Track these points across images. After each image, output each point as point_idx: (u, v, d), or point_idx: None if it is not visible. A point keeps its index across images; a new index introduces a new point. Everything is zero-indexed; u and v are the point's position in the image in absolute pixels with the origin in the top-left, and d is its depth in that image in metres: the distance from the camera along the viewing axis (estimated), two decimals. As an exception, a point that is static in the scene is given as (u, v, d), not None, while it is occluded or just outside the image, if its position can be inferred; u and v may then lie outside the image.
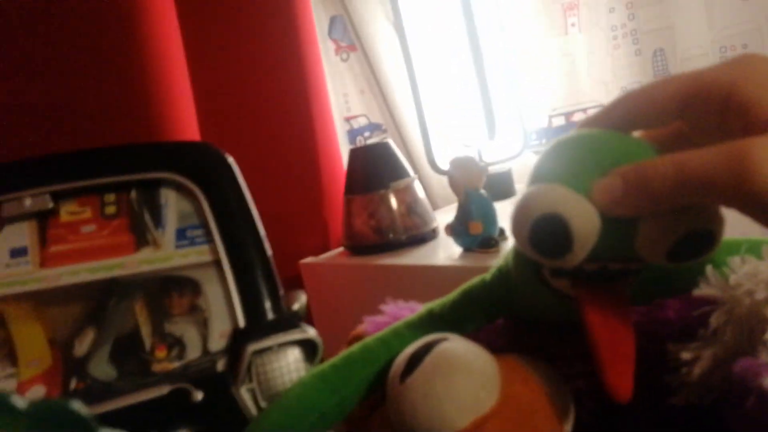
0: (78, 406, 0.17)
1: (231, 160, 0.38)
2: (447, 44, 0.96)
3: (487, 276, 0.33)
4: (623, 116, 0.26)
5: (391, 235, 0.74)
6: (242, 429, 0.32)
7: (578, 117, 1.00)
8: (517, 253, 0.30)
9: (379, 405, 0.34)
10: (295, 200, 0.80)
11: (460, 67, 0.96)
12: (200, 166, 0.37)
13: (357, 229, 0.75)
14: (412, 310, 0.39)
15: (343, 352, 0.32)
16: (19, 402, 0.17)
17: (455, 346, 0.29)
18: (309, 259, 0.80)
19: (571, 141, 0.26)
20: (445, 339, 0.29)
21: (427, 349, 0.29)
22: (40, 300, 0.35)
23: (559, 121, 1.03)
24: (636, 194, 0.22)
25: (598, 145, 0.25)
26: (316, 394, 0.30)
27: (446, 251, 0.68)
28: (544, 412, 0.28)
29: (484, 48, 0.92)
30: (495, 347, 0.30)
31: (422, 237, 0.74)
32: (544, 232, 0.23)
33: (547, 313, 0.30)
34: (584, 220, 0.23)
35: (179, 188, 0.37)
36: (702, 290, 0.25)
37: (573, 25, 0.97)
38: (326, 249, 0.84)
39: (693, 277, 0.27)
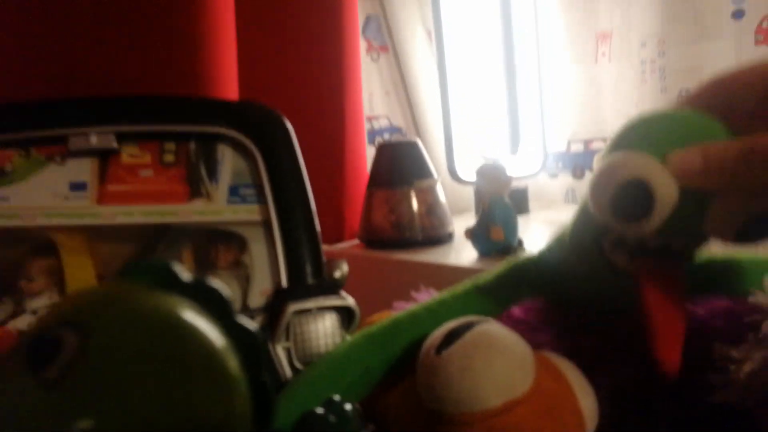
0: (223, 287, 0.18)
1: (289, 125, 0.39)
2: (480, 54, 0.98)
3: (535, 254, 0.34)
4: (710, 100, 0.27)
5: (408, 233, 0.75)
6: (273, 384, 0.33)
7: (597, 145, 1.02)
8: (580, 224, 0.30)
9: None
10: (317, 187, 0.81)
11: (489, 79, 0.98)
12: (260, 127, 0.38)
13: (376, 222, 0.76)
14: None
15: (390, 317, 0.33)
16: (184, 274, 0.18)
17: (496, 328, 0.30)
18: (324, 248, 0.80)
19: (654, 116, 0.27)
20: (486, 321, 0.30)
21: (467, 326, 0.29)
22: (93, 235, 0.35)
23: (578, 147, 1.05)
24: (713, 169, 0.23)
25: (681, 121, 0.26)
26: (362, 350, 0.31)
27: (461, 254, 0.69)
28: (570, 410, 0.29)
29: (517, 64, 0.94)
30: (536, 341, 0.31)
31: (438, 238, 0.75)
32: (629, 196, 0.24)
33: (597, 289, 0.31)
34: (666, 188, 0.24)
35: (236, 146, 0.38)
36: (757, 298, 0.27)
37: (603, 54, 0.99)
38: (340, 240, 0.85)
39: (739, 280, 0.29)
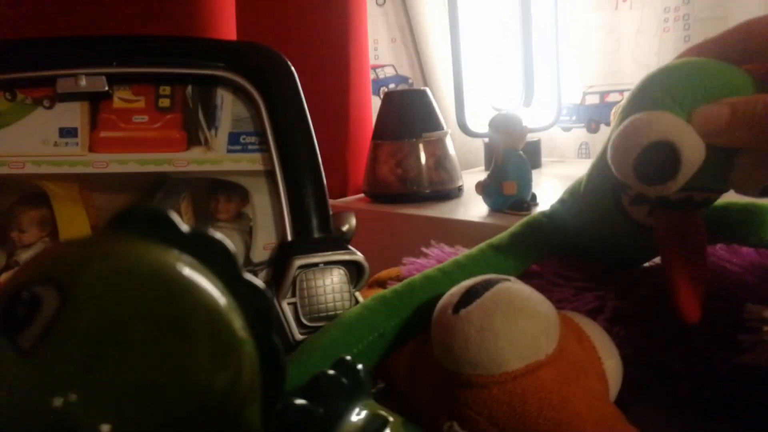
0: (226, 240, 0.16)
1: (293, 69, 0.36)
2: (493, 3, 0.93)
3: (548, 209, 0.33)
4: (734, 46, 0.25)
5: (415, 187, 0.73)
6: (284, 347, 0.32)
7: (614, 97, 0.99)
8: (597, 179, 0.29)
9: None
10: (319, 139, 0.79)
11: (503, 26, 0.93)
12: (263, 70, 0.35)
13: (381, 176, 0.74)
14: (455, 255, 0.38)
15: (406, 280, 0.32)
16: (183, 226, 0.16)
17: (520, 287, 0.28)
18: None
19: (676, 68, 0.25)
20: (507, 279, 0.29)
21: (487, 285, 0.28)
22: (86, 184, 0.33)
23: (593, 99, 1.01)
24: (741, 125, 0.22)
25: (706, 74, 0.25)
26: (376, 314, 0.30)
27: (471, 210, 0.67)
28: (594, 373, 0.27)
29: (532, 10, 0.89)
30: (557, 298, 0.30)
31: (447, 193, 0.73)
32: (653, 159, 0.23)
33: (615, 242, 0.30)
34: (693, 149, 0.23)
35: (237, 90, 0.35)
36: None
37: (624, 0, 0.94)
38: (344, 194, 0.83)
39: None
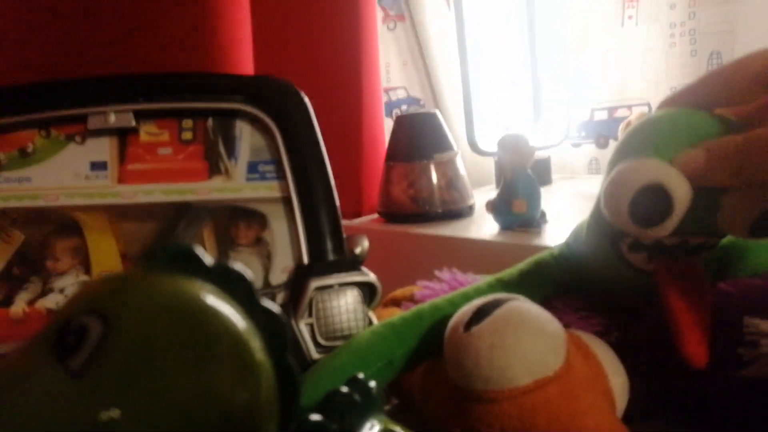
0: (245, 269, 0.18)
1: (307, 100, 0.38)
2: (500, 20, 0.95)
3: (555, 250, 0.34)
4: (706, 95, 0.27)
5: (427, 207, 0.74)
6: (297, 361, 0.33)
7: (622, 113, 0.99)
8: (595, 228, 0.30)
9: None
10: (334, 161, 0.81)
11: (510, 46, 0.95)
12: (278, 103, 0.37)
13: (394, 196, 0.76)
14: (467, 281, 0.39)
15: (413, 308, 0.33)
16: (207, 258, 0.18)
17: (528, 305, 0.29)
18: (343, 223, 0.80)
19: (656, 120, 0.27)
20: (516, 298, 0.30)
21: (497, 303, 0.29)
22: (116, 214, 0.36)
23: (602, 116, 1.02)
24: (718, 165, 0.24)
25: (681, 123, 0.26)
26: (385, 342, 0.31)
27: (482, 228, 0.68)
28: (601, 390, 0.28)
29: (538, 29, 0.91)
30: (563, 321, 0.31)
31: (458, 212, 0.75)
32: (647, 202, 0.24)
33: (618, 286, 0.31)
34: (682, 188, 0.24)
35: (254, 122, 0.38)
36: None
37: (630, 17, 0.96)
38: (359, 215, 0.84)
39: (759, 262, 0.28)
